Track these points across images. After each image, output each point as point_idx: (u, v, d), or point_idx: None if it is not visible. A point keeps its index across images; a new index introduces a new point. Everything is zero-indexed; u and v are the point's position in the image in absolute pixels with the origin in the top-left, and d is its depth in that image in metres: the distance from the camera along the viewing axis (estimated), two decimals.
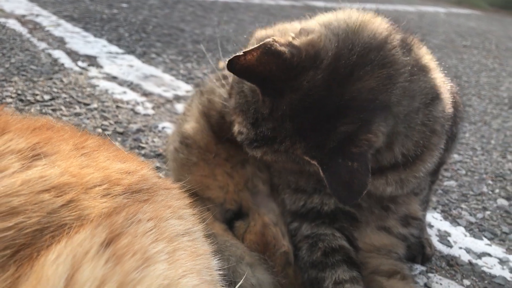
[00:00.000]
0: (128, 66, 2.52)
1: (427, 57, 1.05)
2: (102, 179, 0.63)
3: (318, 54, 0.91)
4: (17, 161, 0.56)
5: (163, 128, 1.90)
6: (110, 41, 2.90)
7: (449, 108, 1.05)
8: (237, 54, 0.88)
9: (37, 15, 3.34)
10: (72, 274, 0.49)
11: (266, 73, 0.89)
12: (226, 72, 1.41)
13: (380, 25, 0.99)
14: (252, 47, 0.88)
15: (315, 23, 1.03)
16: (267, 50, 0.87)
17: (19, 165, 0.56)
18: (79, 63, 2.42)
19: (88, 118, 1.85)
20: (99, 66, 2.44)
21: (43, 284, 0.47)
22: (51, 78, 2.14)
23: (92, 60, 2.50)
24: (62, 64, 2.35)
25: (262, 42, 0.88)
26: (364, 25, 0.97)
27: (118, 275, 0.50)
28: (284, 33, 1.03)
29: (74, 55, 2.52)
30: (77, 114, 1.86)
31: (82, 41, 2.79)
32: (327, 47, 0.92)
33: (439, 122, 1.02)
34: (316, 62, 0.90)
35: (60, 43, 2.70)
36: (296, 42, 0.93)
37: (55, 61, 2.38)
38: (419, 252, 1.34)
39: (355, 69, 0.91)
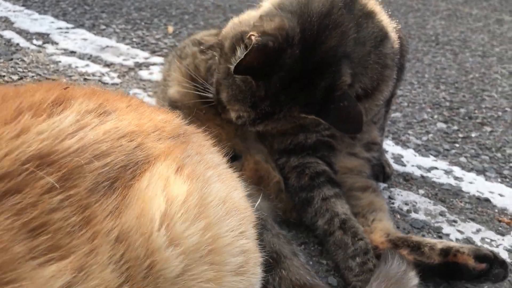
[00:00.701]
0: (82, 40, 2.57)
1: (371, 3, 1.28)
2: (153, 127, 0.79)
3: (288, 34, 1.12)
4: (94, 118, 0.71)
5: (134, 94, 2.02)
6: (56, 16, 2.90)
7: (396, 44, 1.30)
8: (240, 60, 1.08)
9: None
10: (165, 192, 0.66)
11: (259, 64, 1.10)
12: (198, 37, 1.56)
13: None
14: (247, 51, 1.07)
15: (269, 6, 1.24)
16: (257, 48, 1.07)
17: (97, 120, 0.71)
18: (34, 41, 2.44)
19: None
20: (54, 42, 2.48)
21: (149, 200, 0.64)
22: (11, 59, 2.18)
23: (45, 38, 2.53)
24: (18, 44, 2.37)
25: (252, 44, 1.06)
26: None
27: (197, 189, 0.68)
28: (248, 24, 1.22)
29: (25, 34, 2.53)
30: None
31: (28, 19, 2.78)
32: (292, 25, 1.13)
33: (389, 57, 1.26)
34: (290, 41, 1.11)
35: (7, 23, 2.68)
36: (268, 30, 1.12)
37: (8, 42, 2.39)
38: (381, 172, 1.59)
39: (318, 36, 1.13)
